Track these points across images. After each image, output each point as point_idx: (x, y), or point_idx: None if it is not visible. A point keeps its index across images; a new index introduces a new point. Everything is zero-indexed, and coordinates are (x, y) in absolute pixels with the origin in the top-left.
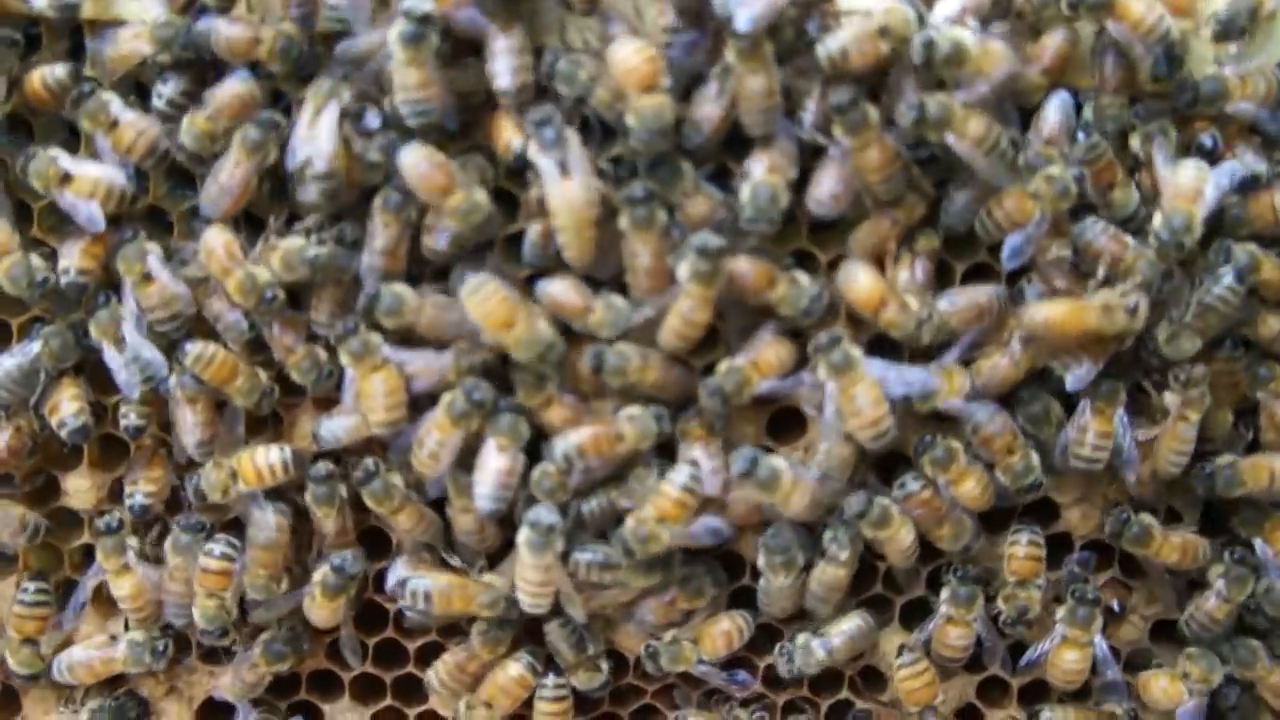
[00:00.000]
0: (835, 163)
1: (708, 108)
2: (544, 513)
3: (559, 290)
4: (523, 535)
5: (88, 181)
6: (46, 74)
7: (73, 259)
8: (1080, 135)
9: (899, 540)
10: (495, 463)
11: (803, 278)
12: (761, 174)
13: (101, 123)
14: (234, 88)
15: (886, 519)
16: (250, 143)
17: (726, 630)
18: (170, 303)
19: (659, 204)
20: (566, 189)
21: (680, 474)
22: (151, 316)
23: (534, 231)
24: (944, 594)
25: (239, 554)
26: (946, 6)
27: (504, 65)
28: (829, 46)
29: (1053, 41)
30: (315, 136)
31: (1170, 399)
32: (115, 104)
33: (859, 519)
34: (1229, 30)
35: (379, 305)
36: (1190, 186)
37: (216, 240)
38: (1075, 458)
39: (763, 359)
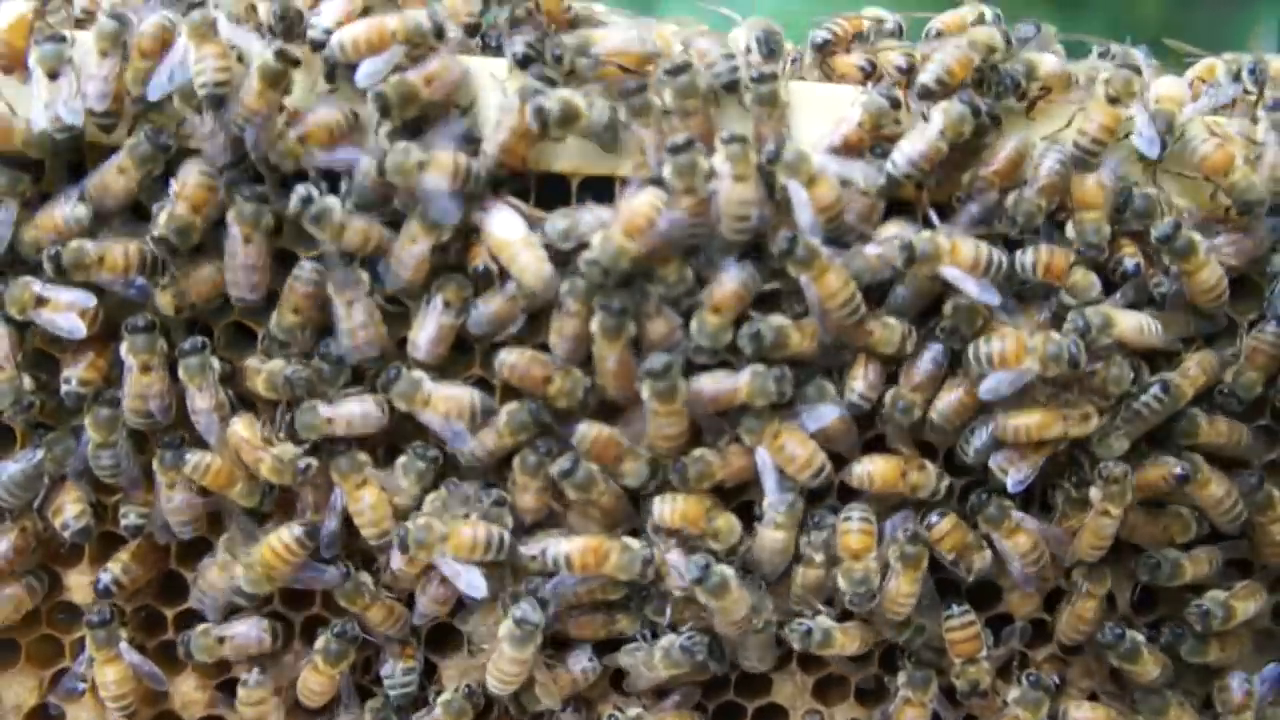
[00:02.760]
0: None
1: None
2: (529, 610)
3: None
4: (505, 629)
5: (62, 301)
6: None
7: (76, 371)
8: None
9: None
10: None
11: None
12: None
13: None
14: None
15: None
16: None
17: None
18: (160, 395)
19: (629, 318)
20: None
21: None
22: (132, 405)
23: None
24: (901, 678)
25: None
26: None
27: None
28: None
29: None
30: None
31: (1094, 493)
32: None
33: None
34: None
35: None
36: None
37: (243, 433)
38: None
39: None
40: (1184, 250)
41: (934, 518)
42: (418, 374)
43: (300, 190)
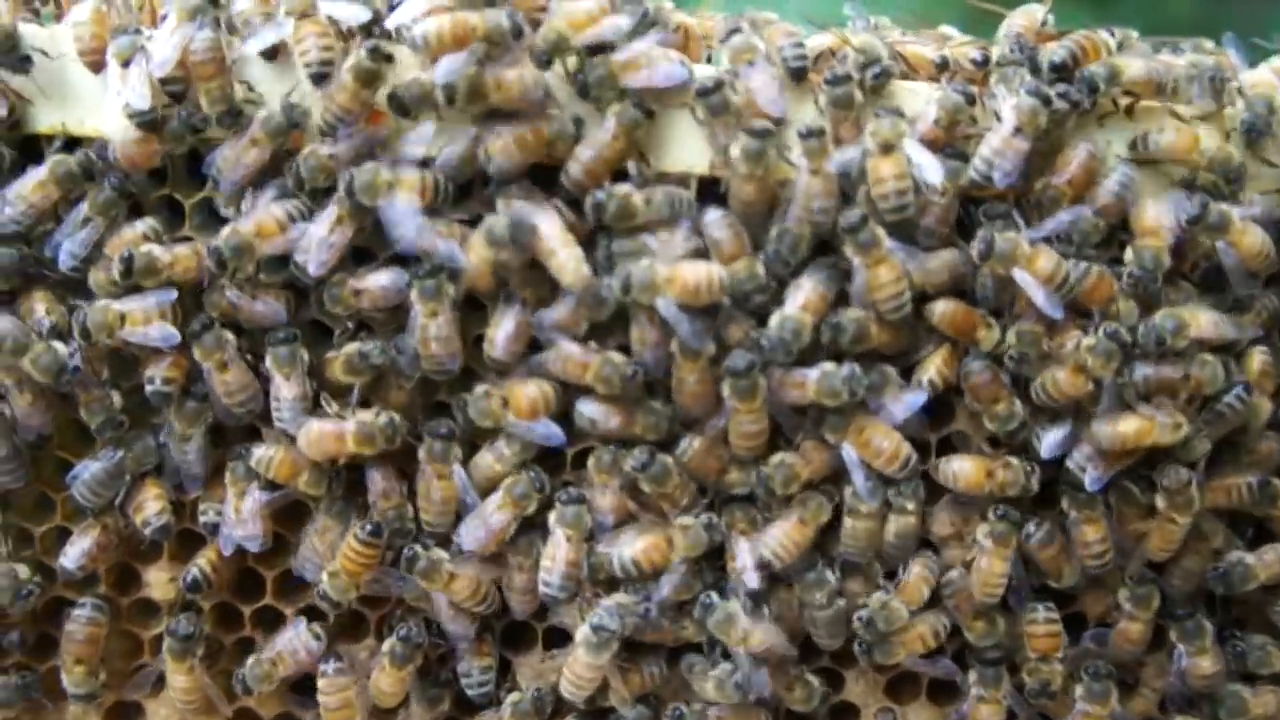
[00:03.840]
0: None
1: None
2: (607, 618)
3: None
4: (582, 634)
5: (139, 313)
6: None
7: (160, 370)
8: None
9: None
10: (567, 554)
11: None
12: (794, 308)
13: None
14: None
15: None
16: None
17: None
18: (247, 387)
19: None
20: None
21: None
22: (229, 400)
23: None
24: (972, 676)
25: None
26: None
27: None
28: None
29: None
30: None
31: (1159, 501)
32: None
33: None
34: None
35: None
36: None
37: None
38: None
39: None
40: (1219, 224)
41: (1031, 527)
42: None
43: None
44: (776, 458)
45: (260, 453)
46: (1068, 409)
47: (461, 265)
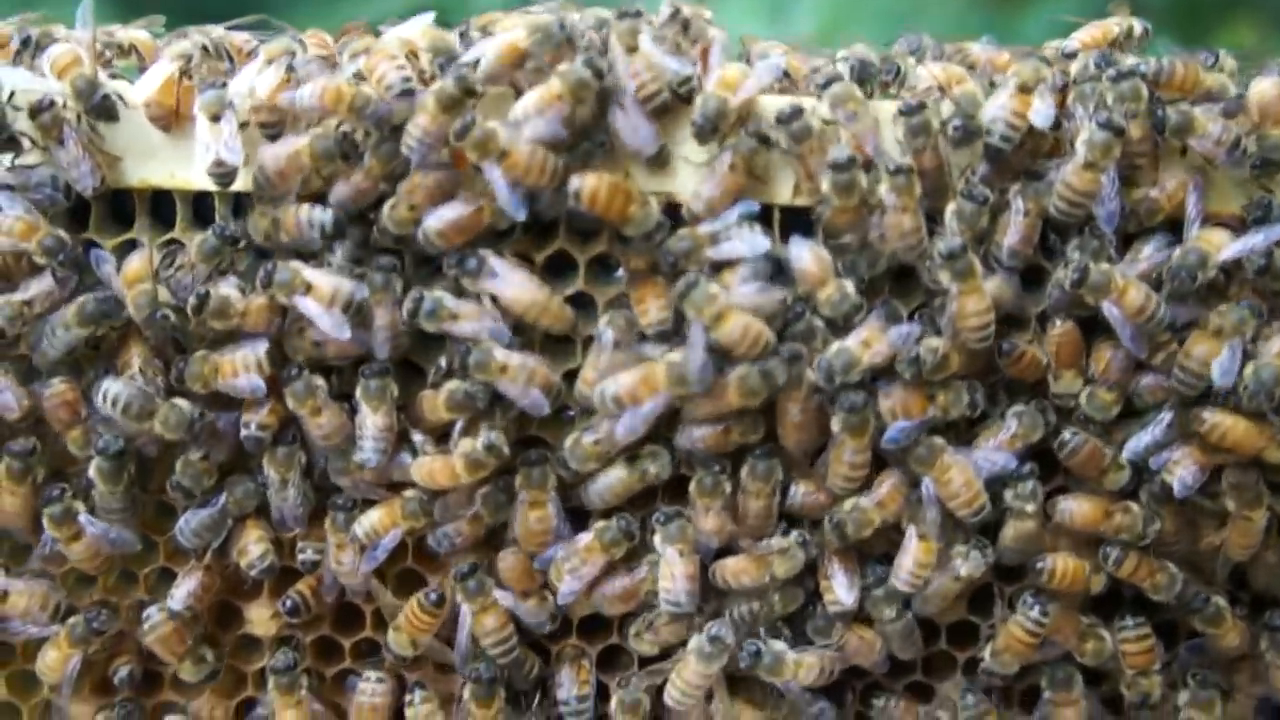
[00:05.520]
0: None
1: None
2: (724, 631)
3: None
4: (695, 643)
5: (228, 366)
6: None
7: (257, 416)
8: None
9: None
10: (683, 569)
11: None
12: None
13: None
14: None
15: None
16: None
17: None
18: (342, 428)
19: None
20: None
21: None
22: (325, 443)
23: None
24: (1044, 681)
25: None
26: None
27: None
28: None
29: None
30: None
31: (1229, 503)
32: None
33: None
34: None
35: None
36: None
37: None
38: None
39: (887, 497)
40: None
41: (1116, 551)
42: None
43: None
44: (849, 504)
45: (364, 521)
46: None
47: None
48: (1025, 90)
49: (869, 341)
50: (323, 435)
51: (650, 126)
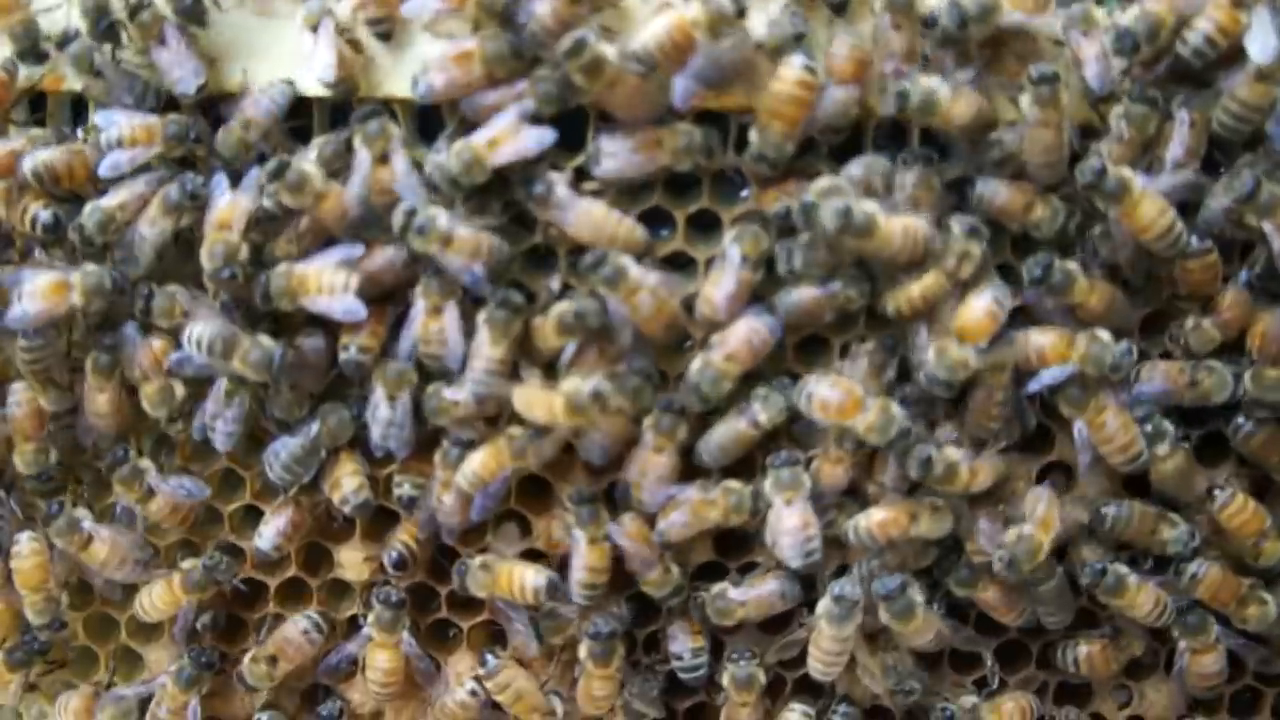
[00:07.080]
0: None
1: None
2: (849, 587)
3: None
4: (824, 606)
5: (313, 280)
6: None
7: (357, 339)
8: None
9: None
10: (790, 520)
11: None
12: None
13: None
14: None
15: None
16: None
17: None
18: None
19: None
20: None
21: None
22: (424, 349)
23: None
24: (1176, 630)
25: None
26: None
27: None
28: None
29: None
30: None
31: None
32: None
33: None
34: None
35: None
36: None
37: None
38: None
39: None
40: None
41: (1198, 568)
42: None
43: None
44: (939, 452)
45: (466, 469)
46: None
47: None
48: (1238, 4)
49: None
50: (425, 339)
51: None
